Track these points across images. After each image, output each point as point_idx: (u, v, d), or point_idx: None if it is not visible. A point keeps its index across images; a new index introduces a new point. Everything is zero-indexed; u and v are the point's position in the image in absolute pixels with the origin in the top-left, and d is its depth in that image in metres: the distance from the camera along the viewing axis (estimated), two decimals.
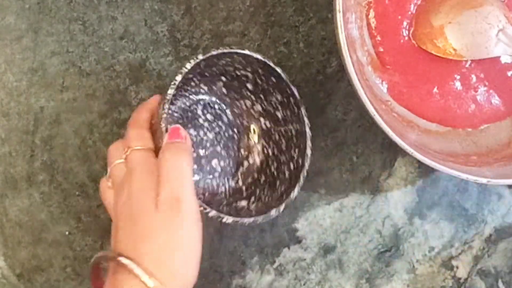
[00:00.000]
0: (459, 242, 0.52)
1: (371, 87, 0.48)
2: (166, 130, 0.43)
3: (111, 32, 0.50)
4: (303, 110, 0.45)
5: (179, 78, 0.43)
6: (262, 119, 0.49)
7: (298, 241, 0.51)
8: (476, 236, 0.52)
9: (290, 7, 0.51)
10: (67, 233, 0.50)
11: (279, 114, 0.48)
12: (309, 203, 0.51)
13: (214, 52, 0.43)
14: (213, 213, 0.43)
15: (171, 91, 0.42)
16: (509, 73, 0.50)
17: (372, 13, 0.49)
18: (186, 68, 0.43)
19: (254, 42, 0.50)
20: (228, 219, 0.43)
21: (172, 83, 0.43)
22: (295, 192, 0.45)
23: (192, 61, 0.43)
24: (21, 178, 0.49)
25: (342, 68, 0.48)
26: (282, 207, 0.44)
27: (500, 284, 0.53)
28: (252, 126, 0.49)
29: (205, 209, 0.42)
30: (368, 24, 0.49)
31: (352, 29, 0.48)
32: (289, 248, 0.51)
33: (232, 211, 0.47)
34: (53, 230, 0.49)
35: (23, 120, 0.49)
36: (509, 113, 0.51)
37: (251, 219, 0.43)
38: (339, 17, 0.42)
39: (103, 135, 0.50)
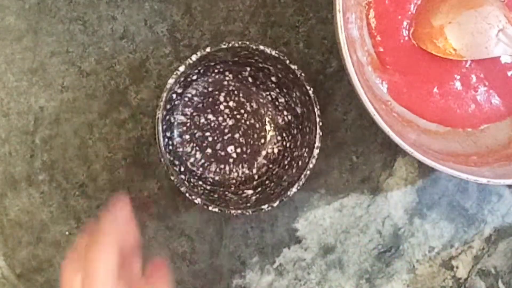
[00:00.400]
0: (459, 242, 0.52)
1: (371, 87, 0.48)
2: (163, 118, 0.45)
3: (111, 32, 0.50)
4: (316, 109, 0.46)
5: (182, 68, 0.44)
6: (285, 112, 0.50)
7: (298, 241, 0.51)
8: (476, 236, 0.52)
9: (290, 7, 0.51)
10: (67, 233, 0.50)
11: (298, 110, 0.49)
12: (309, 203, 0.51)
13: (223, 46, 0.44)
14: (198, 200, 0.44)
15: (171, 81, 0.44)
16: (509, 73, 0.50)
17: (372, 13, 0.49)
18: (191, 59, 0.44)
19: (254, 42, 0.50)
20: (214, 208, 0.44)
21: (174, 73, 0.44)
22: (292, 191, 0.45)
23: (198, 53, 0.44)
24: (21, 178, 0.49)
25: (342, 68, 0.48)
26: (276, 203, 0.45)
27: (500, 284, 0.53)
28: (268, 119, 0.50)
29: (190, 195, 0.44)
30: (368, 24, 0.49)
31: (352, 29, 0.48)
32: (289, 248, 0.51)
33: (234, 198, 0.48)
34: (53, 230, 0.49)
35: (23, 120, 0.49)
36: (509, 113, 0.50)
37: (239, 211, 0.44)
38: (339, 17, 0.42)
39: (103, 135, 0.50)
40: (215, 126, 0.49)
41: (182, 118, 0.49)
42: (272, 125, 0.50)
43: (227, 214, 0.45)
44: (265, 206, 0.45)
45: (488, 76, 0.50)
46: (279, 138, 0.50)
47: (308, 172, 0.46)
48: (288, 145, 0.50)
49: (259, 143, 0.50)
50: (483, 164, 0.48)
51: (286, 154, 0.50)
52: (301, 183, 0.46)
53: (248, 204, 0.47)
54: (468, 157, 0.49)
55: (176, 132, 0.49)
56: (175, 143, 0.49)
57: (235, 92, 0.50)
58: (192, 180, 0.48)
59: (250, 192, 0.49)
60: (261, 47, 0.45)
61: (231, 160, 0.50)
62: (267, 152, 0.50)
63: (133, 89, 0.50)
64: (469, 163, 0.47)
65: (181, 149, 0.49)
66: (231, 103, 0.50)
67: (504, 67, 0.50)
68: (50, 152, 0.49)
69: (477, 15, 0.47)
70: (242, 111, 0.50)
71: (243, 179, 0.50)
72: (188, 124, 0.49)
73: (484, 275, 0.53)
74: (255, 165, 0.50)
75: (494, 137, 0.50)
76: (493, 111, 0.50)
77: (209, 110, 0.49)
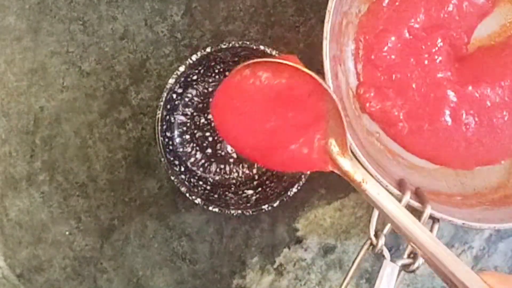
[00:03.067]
0: (459, 242, 0.52)
1: (360, 116, 0.48)
2: (163, 118, 0.45)
3: (111, 32, 0.50)
4: None
5: (182, 68, 0.45)
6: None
7: (298, 241, 0.51)
8: (476, 236, 0.52)
9: (290, 7, 0.51)
10: (67, 233, 0.50)
11: None
12: (309, 203, 0.51)
13: (223, 46, 0.44)
14: (198, 200, 0.45)
15: (171, 81, 0.45)
16: (498, 115, 0.48)
17: (359, 67, 0.49)
18: (191, 59, 0.44)
19: (255, 42, 0.50)
20: (214, 208, 0.45)
21: (175, 73, 0.45)
22: (292, 191, 0.45)
23: (199, 53, 0.44)
24: (21, 178, 0.49)
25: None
26: (276, 203, 0.45)
27: None
28: None
29: (190, 195, 0.45)
30: (358, 78, 0.49)
31: (341, 84, 0.48)
32: (289, 248, 0.51)
33: (234, 198, 0.48)
34: (53, 230, 0.49)
35: (23, 120, 0.49)
36: (502, 157, 0.49)
37: (239, 211, 0.45)
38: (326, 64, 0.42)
39: (103, 135, 0.50)
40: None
41: (183, 118, 0.49)
42: None
43: (227, 214, 0.45)
44: (265, 206, 0.45)
45: (479, 114, 0.48)
46: None
47: (308, 172, 0.46)
48: None
49: None
50: (466, 206, 0.46)
51: None
52: (301, 183, 0.46)
53: (248, 204, 0.47)
54: (451, 197, 0.47)
55: (176, 132, 0.49)
56: (175, 143, 0.49)
57: None
58: (192, 180, 0.48)
59: (250, 192, 0.49)
60: (262, 47, 0.45)
61: (231, 160, 0.50)
62: None
63: (133, 89, 0.50)
64: (450, 203, 0.46)
65: (181, 149, 0.49)
66: None
67: (491, 107, 0.49)
68: (50, 152, 0.49)
69: None
70: None
71: (243, 179, 0.50)
72: (188, 124, 0.49)
73: None
74: (255, 165, 0.50)
75: (484, 180, 0.48)
76: (485, 153, 0.49)
77: (209, 110, 0.49)
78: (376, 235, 0.43)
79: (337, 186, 0.51)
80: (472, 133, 0.48)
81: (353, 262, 0.42)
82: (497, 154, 0.49)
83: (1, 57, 0.49)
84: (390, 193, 0.42)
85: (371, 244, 0.42)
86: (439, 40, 0.48)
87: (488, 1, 0.48)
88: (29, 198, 0.49)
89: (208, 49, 0.44)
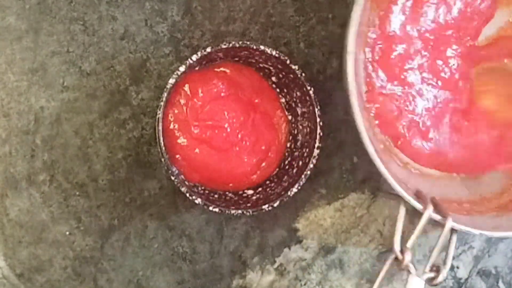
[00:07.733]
0: (459, 242, 0.52)
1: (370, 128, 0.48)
2: (163, 117, 0.45)
3: (111, 32, 0.50)
4: (316, 109, 0.46)
5: (182, 68, 0.44)
6: (285, 112, 0.50)
7: (299, 241, 0.51)
8: (476, 236, 0.52)
9: (291, 7, 0.51)
10: (67, 233, 0.50)
11: (299, 110, 0.49)
12: (310, 203, 0.51)
13: (224, 46, 0.44)
14: (198, 200, 0.44)
15: (172, 81, 0.44)
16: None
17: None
18: (192, 59, 0.44)
19: (255, 42, 0.50)
20: (215, 208, 0.45)
21: (175, 73, 0.44)
22: (292, 191, 0.45)
23: (199, 53, 0.44)
24: (22, 178, 0.49)
25: (342, 68, 0.48)
26: (276, 203, 0.45)
27: (501, 284, 0.53)
28: None
29: (190, 195, 0.44)
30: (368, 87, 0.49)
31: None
32: (289, 248, 0.51)
33: (234, 198, 0.48)
34: (53, 230, 0.49)
35: (23, 120, 0.49)
36: (503, 161, 0.49)
37: (239, 211, 0.44)
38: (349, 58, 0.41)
39: (103, 135, 0.50)
40: None
41: None
42: None
43: (228, 214, 0.45)
44: (265, 206, 0.45)
45: (478, 123, 0.49)
46: None
47: (309, 172, 0.46)
48: (288, 145, 0.50)
49: None
50: (476, 212, 0.46)
51: (286, 154, 0.50)
52: (301, 183, 0.46)
53: (249, 204, 0.47)
54: (461, 204, 0.47)
55: None
56: None
57: None
58: None
59: (250, 192, 0.49)
60: (262, 47, 0.45)
61: None
62: None
63: (133, 89, 0.50)
64: (461, 211, 0.46)
65: None
66: None
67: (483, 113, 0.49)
68: (50, 152, 0.49)
69: None
70: None
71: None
72: None
73: (485, 275, 0.53)
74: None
75: (488, 186, 0.49)
76: (486, 158, 0.49)
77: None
78: (402, 250, 0.41)
79: (337, 186, 0.51)
80: (472, 139, 0.49)
81: (378, 277, 0.42)
82: (496, 159, 0.49)
83: (1, 57, 0.49)
84: (412, 206, 0.41)
85: (396, 258, 0.41)
86: (450, 50, 0.48)
87: (489, 7, 0.49)
88: (29, 198, 0.49)
89: (208, 49, 0.44)
